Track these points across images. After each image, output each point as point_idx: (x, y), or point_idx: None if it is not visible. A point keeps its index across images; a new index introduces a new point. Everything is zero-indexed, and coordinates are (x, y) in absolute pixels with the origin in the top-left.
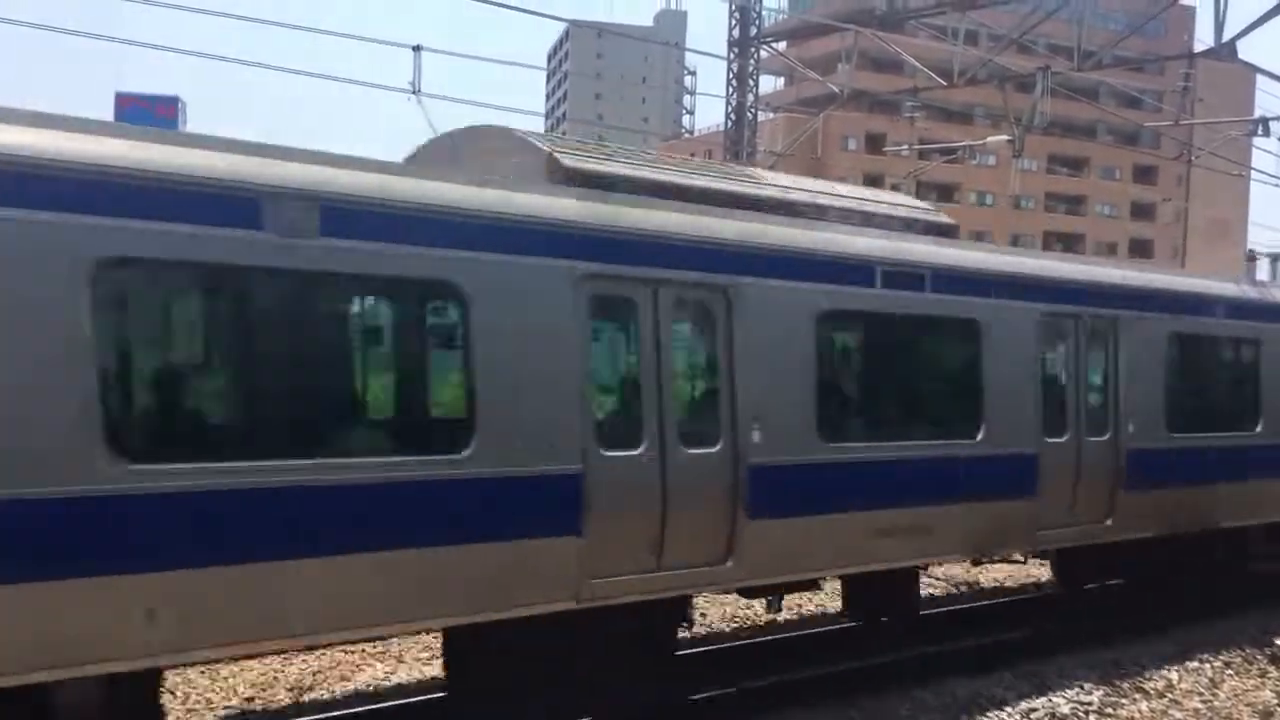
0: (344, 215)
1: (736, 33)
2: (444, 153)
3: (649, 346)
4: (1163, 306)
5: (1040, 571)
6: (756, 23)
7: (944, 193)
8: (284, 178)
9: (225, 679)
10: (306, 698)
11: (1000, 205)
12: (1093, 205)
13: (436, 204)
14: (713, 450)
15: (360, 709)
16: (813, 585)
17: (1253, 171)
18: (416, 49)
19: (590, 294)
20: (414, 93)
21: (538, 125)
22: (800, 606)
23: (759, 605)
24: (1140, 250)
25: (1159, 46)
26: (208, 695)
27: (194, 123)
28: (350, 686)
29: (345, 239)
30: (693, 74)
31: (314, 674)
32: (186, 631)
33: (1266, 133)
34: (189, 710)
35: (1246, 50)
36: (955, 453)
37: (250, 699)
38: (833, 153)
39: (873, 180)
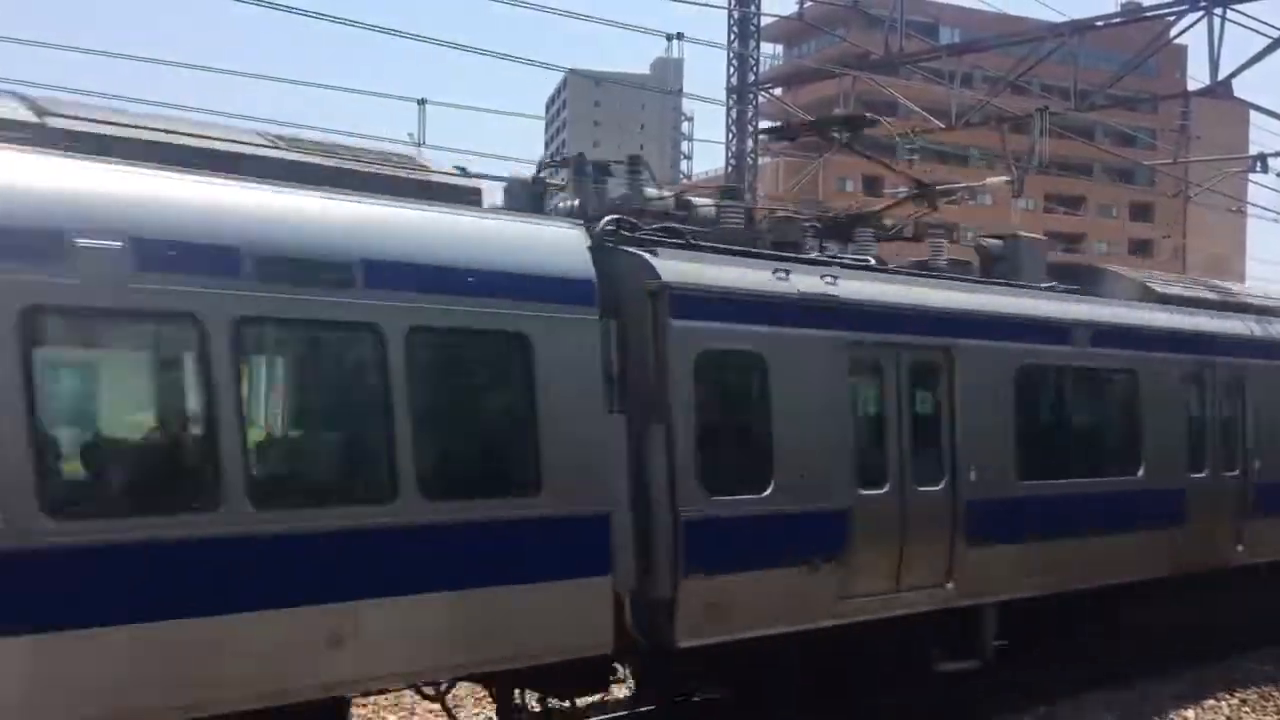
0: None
1: (735, 79)
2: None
3: None
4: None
5: None
6: (754, 69)
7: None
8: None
9: None
10: None
11: None
12: (1091, 243)
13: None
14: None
15: None
16: None
17: (1249, 207)
18: (421, 102)
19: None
20: (418, 145)
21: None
22: None
23: None
24: None
25: (1151, 85)
26: None
27: None
28: None
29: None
30: (690, 120)
31: None
32: None
33: (1265, 169)
34: None
35: (1241, 87)
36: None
37: None
38: (829, 194)
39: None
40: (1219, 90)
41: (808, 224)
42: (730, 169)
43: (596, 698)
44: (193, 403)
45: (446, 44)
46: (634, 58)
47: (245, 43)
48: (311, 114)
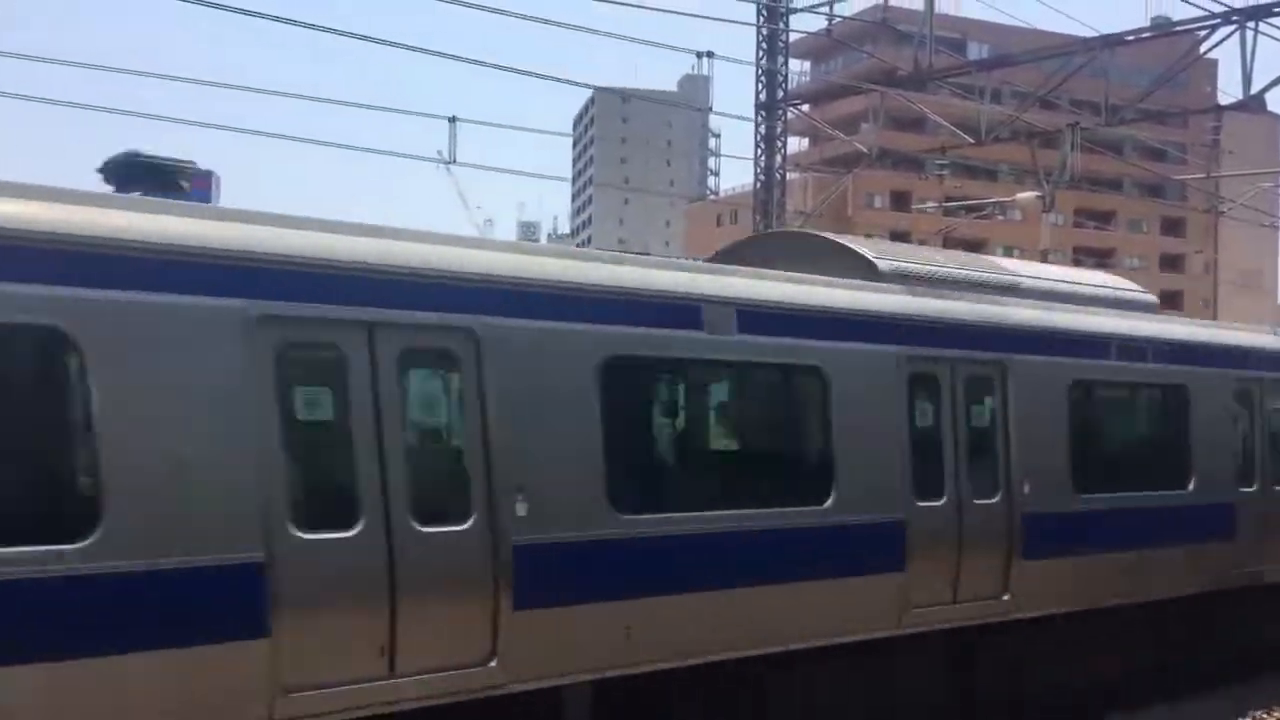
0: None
1: (764, 96)
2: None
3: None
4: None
5: None
6: (783, 85)
7: (971, 248)
8: None
9: None
10: None
11: (1029, 259)
12: (1121, 258)
13: None
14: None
15: None
16: None
17: None
18: (452, 120)
19: None
20: (449, 162)
21: (565, 190)
22: None
23: None
24: (1170, 302)
25: (1182, 99)
26: None
27: (227, 197)
28: None
29: None
30: (717, 136)
31: None
32: None
33: None
34: None
35: (1274, 101)
36: None
37: None
38: (858, 210)
39: (899, 237)
40: (1251, 104)
41: None
42: (759, 185)
43: None
44: None
45: (474, 62)
46: (661, 76)
47: (271, 59)
48: (337, 130)
